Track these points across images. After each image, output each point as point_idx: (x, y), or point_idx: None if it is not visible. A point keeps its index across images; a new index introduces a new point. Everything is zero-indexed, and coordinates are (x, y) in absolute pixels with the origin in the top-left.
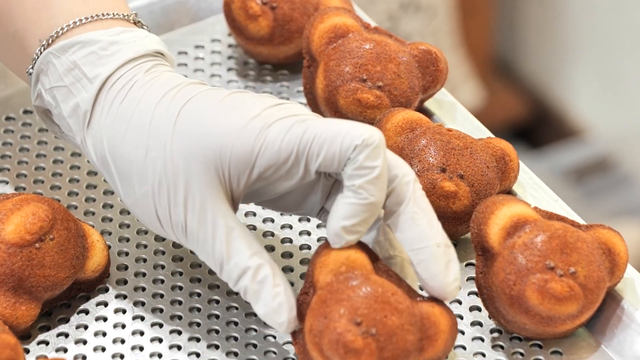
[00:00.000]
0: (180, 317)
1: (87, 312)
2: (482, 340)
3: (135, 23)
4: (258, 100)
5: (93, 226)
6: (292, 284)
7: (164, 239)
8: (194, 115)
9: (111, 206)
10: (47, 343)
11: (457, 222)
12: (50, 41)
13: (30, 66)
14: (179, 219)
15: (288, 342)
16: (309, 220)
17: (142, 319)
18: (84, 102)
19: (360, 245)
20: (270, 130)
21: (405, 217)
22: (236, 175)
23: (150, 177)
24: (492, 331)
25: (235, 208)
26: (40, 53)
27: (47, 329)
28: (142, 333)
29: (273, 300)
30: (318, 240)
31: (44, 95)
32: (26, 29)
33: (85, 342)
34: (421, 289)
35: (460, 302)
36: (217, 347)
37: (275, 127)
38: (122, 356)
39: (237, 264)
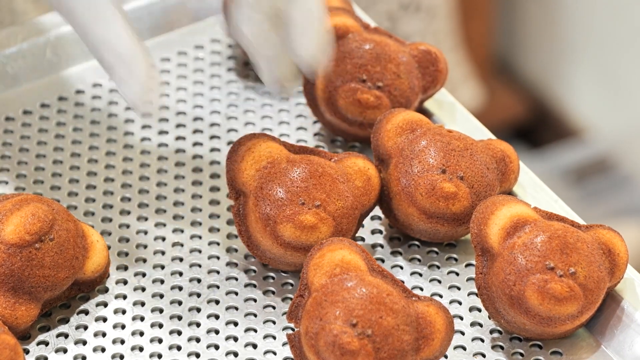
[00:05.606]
0: (180, 318)
1: (86, 312)
2: (482, 340)
3: None
4: None
5: (93, 226)
6: (291, 285)
7: (163, 239)
8: None
9: (111, 207)
10: (46, 344)
11: (457, 223)
12: None
13: None
14: None
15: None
16: None
17: (142, 319)
18: None
19: (354, 247)
20: None
21: None
22: None
23: None
24: (492, 332)
25: None
26: None
27: (47, 329)
28: (141, 333)
29: (150, 80)
30: None
31: None
32: None
33: (85, 343)
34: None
35: (460, 303)
36: (217, 347)
37: None
38: (121, 357)
39: (115, 46)
